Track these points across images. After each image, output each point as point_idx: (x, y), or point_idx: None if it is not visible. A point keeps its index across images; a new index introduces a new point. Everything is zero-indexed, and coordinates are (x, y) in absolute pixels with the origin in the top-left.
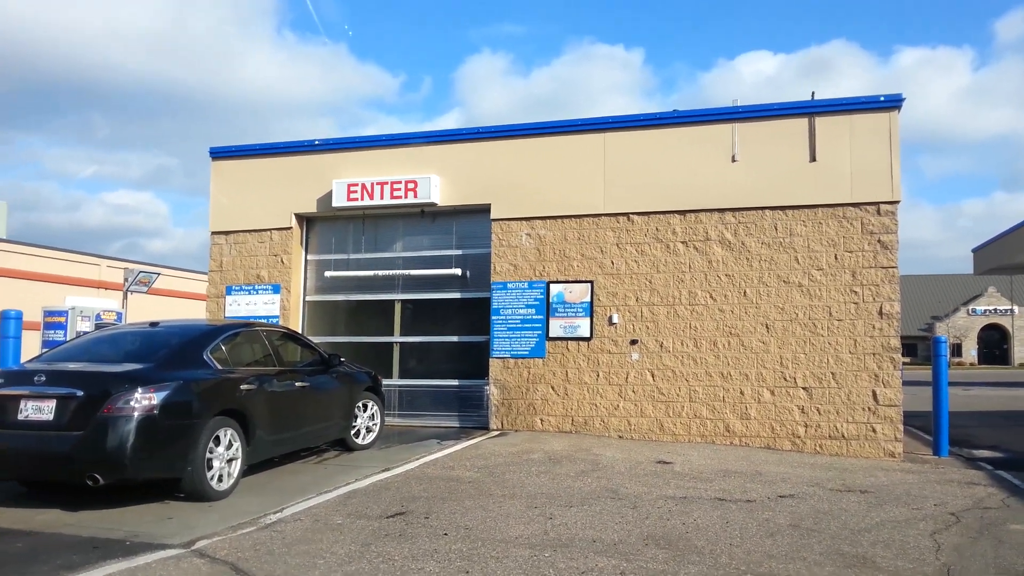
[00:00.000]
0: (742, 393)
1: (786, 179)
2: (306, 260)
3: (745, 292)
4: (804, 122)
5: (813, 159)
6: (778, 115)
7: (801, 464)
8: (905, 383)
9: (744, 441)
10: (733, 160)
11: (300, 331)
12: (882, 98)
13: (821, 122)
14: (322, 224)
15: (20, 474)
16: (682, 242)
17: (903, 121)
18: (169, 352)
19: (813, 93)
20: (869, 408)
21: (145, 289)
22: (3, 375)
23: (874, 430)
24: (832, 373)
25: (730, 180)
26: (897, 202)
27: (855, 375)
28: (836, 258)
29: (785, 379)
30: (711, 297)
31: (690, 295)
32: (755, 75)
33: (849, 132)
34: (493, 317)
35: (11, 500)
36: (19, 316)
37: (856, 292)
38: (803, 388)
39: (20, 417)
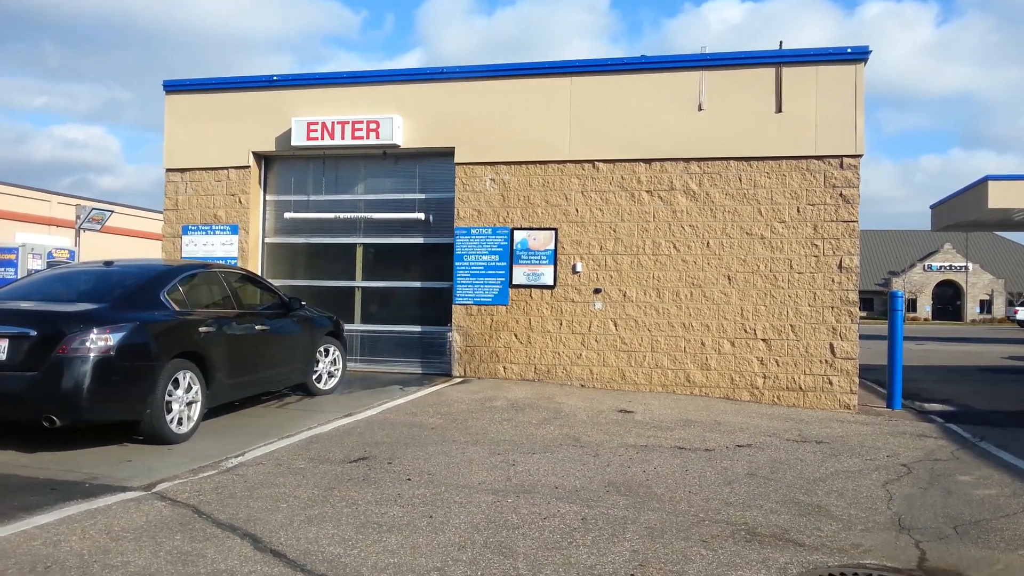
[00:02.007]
0: (703, 344)
1: (752, 130)
2: (265, 200)
3: (708, 243)
4: (771, 72)
5: (779, 110)
6: (746, 64)
7: (759, 415)
8: (861, 337)
9: (704, 391)
10: (700, 109)
11: (259, 273)
12: (849, 50)
13: (788, 72)
14: (281, 163)
15: None
16: (647, 191)
17: (866, 75)
18: (125, 292)
19: (781, 43)
20: (826, 360)
21: (98, 227)
22: None
23: (831, 382)
24: (791, 325)
25: (696, 129)
26: (860, 156)
27: (814, 328)
28: (798, 211)
29: (745, 331)
30: (675, 247)
31: (654, 245)
32: (721, 23)
33: (815, 84)
34: (456, 263)
35: None
36: None
37: (817, 245)
38: (763, 340)
39: None
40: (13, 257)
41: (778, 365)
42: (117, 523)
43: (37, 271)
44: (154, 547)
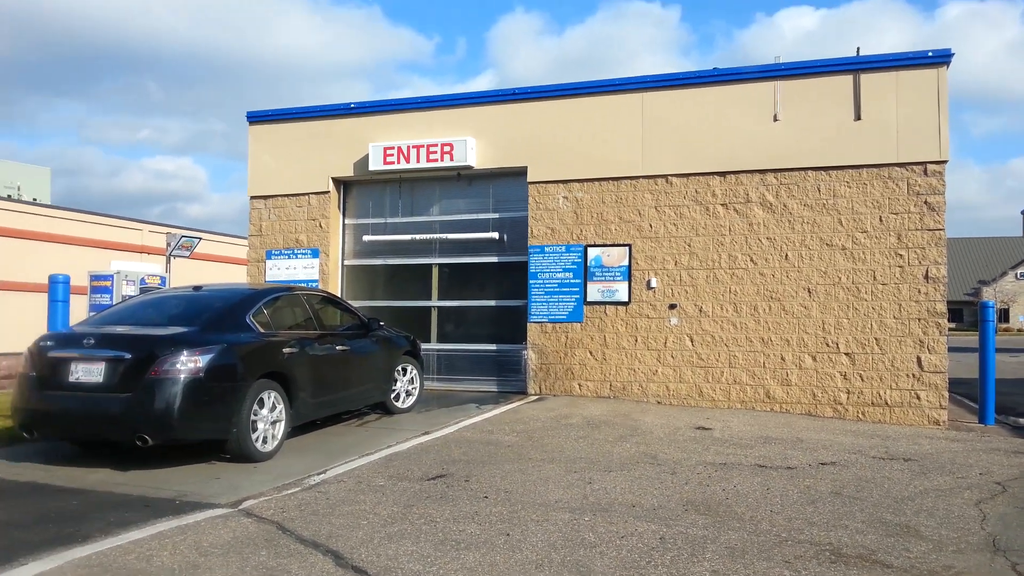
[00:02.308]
0: (783, 359)
1: (829, 138)
2: (344, 224)
3: (787, 255)
4: (849, 79)
5: (858, 118)
6: (822, 72)
7: (843, 431)
8: (950, 349)
9: (785, 407)
10: (775, 119)
11: (339, 295)
12: (930, 53)
13: (866, 79)
14: (359, 188)
15: (72, 434)
16: (722, 204)
17: (949, 78)
18: (213, 315)
19: (858, 49)
20: (913, 375)
21: (187, 254)
22: (53, 338)
23: (918, 397)
24: (876, 339)
25: (771, 140)
26: (945, 162)
27: (899, 341)
28: (881, 220)
29: (827, 344)
30: (751, 260)
31: (730, 258)
32: (795, 31)
33: (895, 89)
34: (530, 281)
35: (64, 459)
36: (67, 280)
37: (901, 255)
38: (846, 354)
39: (71, 379)
40: (108, 284)
41: (862, 380)
42: (206, 539)
43: (131, 297)
44: (240, 562)
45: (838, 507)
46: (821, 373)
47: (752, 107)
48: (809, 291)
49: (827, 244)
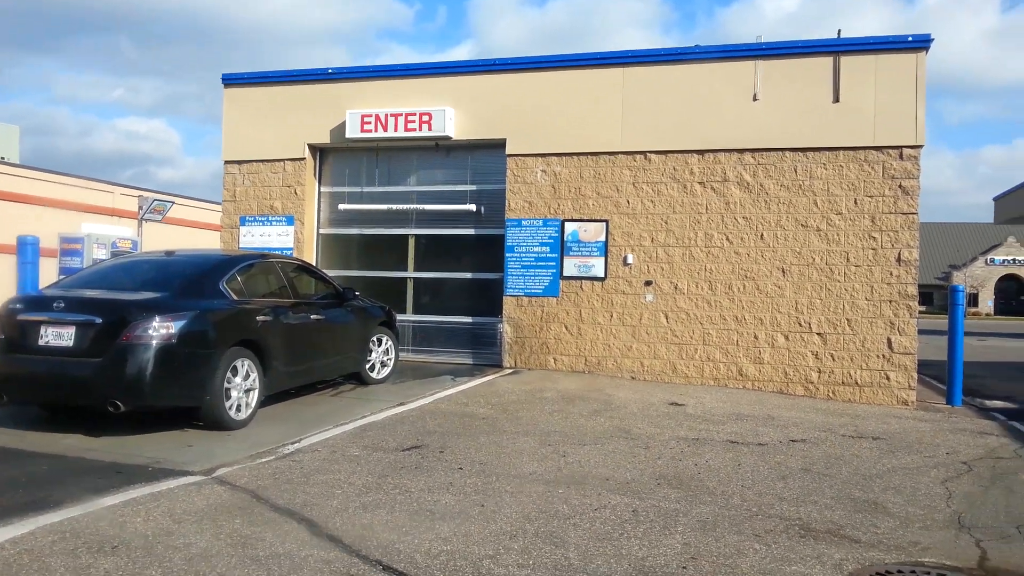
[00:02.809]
0: (756, 337)
1: (808, 120)
2: (320, 192)
3: (762, 235)
4: (829, 61)
5: (836, 100)
6: (802, 53)
7: (814, 409)
8: (920, 332)
9: (757, 385)
10: (755, 99)
11: (314, 264)
12: (910, 38)
13: (846, 62)
14: (336, 155)
15: (42, 398)
16: (699, 182)
17: (927, 64)
18: (186, 281)
19: (839, 31)
20: (884, 355)
21: (160, 218)
22: (23, 301)
23: (888, 377)
24: (847, 319)
25: (751, 119)
26: (920, 146)
27: (871, 322)
28: (856, 203)
29: (800, 324)
30: (727, 239)
31: (706, 236)
32: (777, 12)
33: (874, 73)
34: (507, 255)
35: (35, 424)
36: (36, 242)
37: (875, 238)
38: (818, 334)
39: (41, 343)
40: (79, 247)
41: (833, 360)
42: (179, 506)
43: (102, 260)
44: (215, 530)
45: (808, 483)
46: (793, 352)
47: (732, 86)
48: (783, 271)
49: (802, 225)
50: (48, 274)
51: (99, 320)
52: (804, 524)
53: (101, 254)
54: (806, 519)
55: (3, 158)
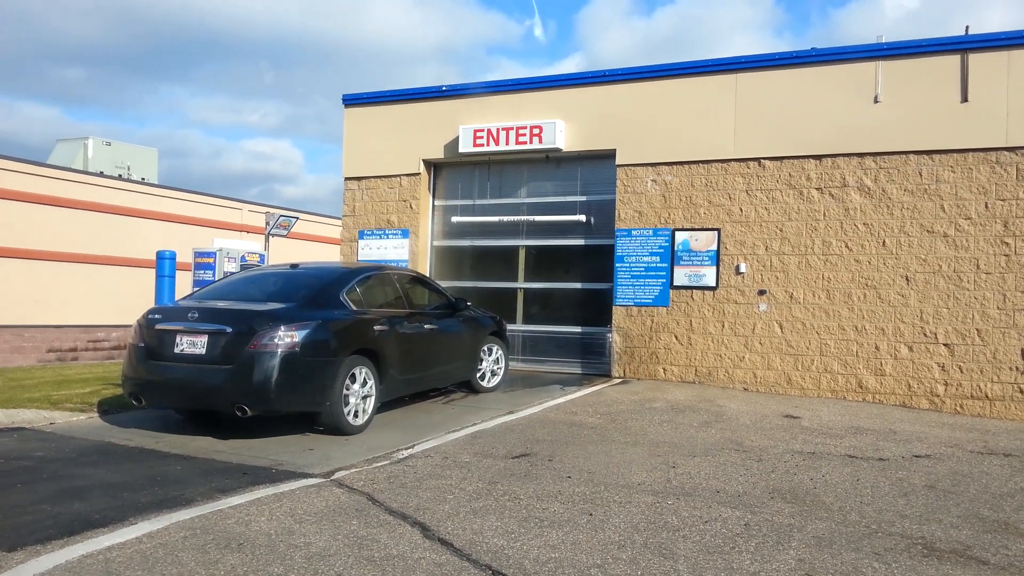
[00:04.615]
0: (877, 348)
1: (934, 121)
2: (433, 206)
3: (884, 242)
4: (956, 59)
5: (965, 99)
6: (927, 52)
7: (939, 424)
8: None
9: (878, 398)
10: (875, 101)
11: (428, 275)
12: None
13: (975, 59)
14: (449, 170)
15: (176, 403)
16: (816, 188)
17: None
18: (309, 293)
19: (967, 28)
20: (1017, 367)
21: (285, 232)
22: (161, 311)
23: (1022, 391)
24: (977, 330)
25: (871, 123)
26: None
27: (1003, 332)
28: (987, 207)
29: (925, 334)
30: (846, 247)
31: (824, 244)
32: (897, 10)
33: (1007, 70)
34: (617, 264)
35: (169, 427)
36: (173, 256)
37: (1008, 243)
38: (944, 344)
39: (176, 351)
40: (211, 260)
41: (961, 372)
42: (300, 507)
43: (232, 273)
44: (333, 530)
45: (932, 501)
46: (917, 364)
47: (852, 88)
48: (907, 279)
49: (928, 231)
50: (183, 286)
51: (229, 329)
52: (927, 543)
53: (231, 267)
54: (929, 538)
55: (143, 179)
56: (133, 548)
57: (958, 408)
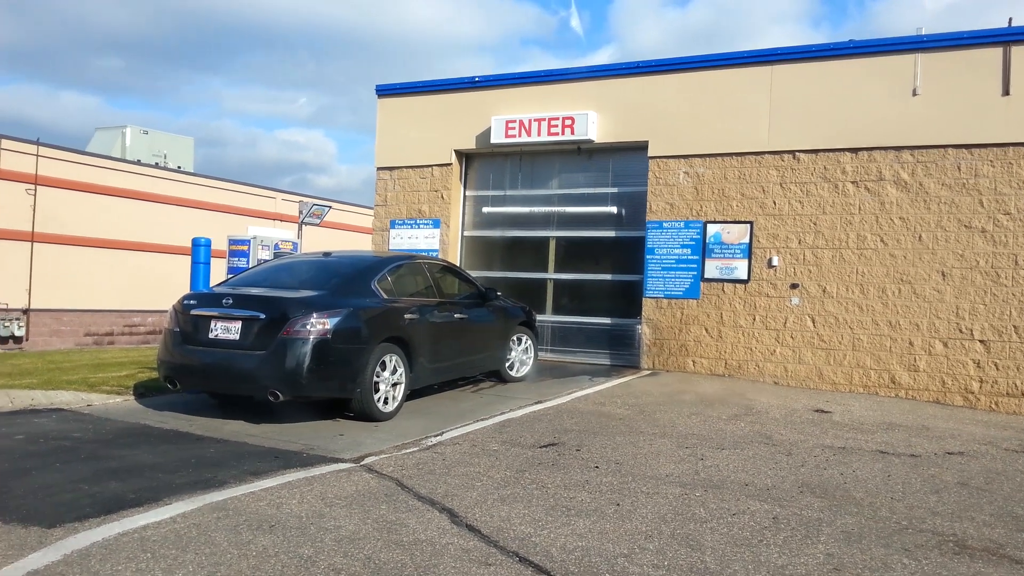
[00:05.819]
0: (911, 343)
1: (974, 115)
2: (465, 196)
3: (920, 236)
4: (998, 52)
5: (1007, 92)
6: (968, 44)
7: (973, 421)
8: None
9: (911, 394)
10: (914, 94)
11: (459, 265)
12: None
13: (1018, 52)
14: (480, 160)
15: (210, 387)
16: (852, 182)
17: None
18: (341, 281)
19: (1010, 20)
20: None
21: (318, 221)
22: (196, 297)
23: None
24: (1015, 326)
25: (909, 115)
26: None
27: None
28: None
29: (960, 331)
30: (882, 241)
31: (859, 238)
32: (937, 2)
33: None
34: (647, 256)
35: (203, 410)
36: (208, 244)
37: None
38: (980, 341)
39: (211, 336)
40: (245, 248)
41: (997, 369)
42: (331, 491)
43: (265, 261)
44: (362, 514)
45: (964, 498)
46: (952, 360)
47: (889, 81)
48: (943, 274)
49: (965, 226)
50: (218, 273)
51: (263, 316)
52: (959, 540)
53: (265, 255)
54: (961, 535)
55: (179, 167)
56: (168, 527)
57: (993, 405)
